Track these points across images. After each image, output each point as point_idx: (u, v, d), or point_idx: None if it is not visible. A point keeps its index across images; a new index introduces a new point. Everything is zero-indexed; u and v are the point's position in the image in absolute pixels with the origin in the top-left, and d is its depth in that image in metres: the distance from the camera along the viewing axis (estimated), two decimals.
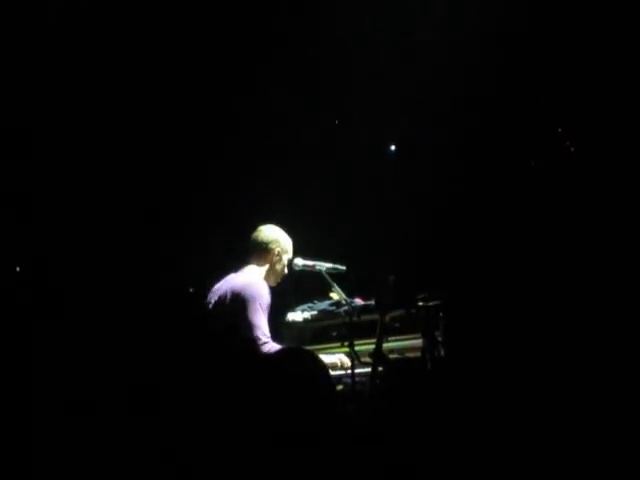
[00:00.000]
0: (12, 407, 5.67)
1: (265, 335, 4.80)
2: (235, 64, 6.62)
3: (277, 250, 5.13)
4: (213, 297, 5.07)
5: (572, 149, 6.07)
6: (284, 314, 5.39)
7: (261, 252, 5.12)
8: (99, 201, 6.51)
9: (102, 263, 6.46)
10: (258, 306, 4.84)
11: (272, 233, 5.17)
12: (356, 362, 4.82)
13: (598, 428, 4.69)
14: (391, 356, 4.96)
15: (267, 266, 5.13)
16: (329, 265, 5.18)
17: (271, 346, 4.76)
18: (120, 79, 6.41)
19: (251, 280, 4.98)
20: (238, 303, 4.87)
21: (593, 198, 5.90)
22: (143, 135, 6.62)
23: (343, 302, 5.12)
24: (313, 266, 5.18)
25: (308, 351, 4.64)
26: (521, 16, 6.10)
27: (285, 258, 5.16)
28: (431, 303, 4.91)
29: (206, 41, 6.48)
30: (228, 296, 4.95)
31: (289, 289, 5.45)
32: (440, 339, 4.86)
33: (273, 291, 5.04)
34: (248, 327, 4.80)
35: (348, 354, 4.91)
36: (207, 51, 6.53)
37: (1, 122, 6.15)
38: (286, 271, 5.18)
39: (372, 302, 5.03)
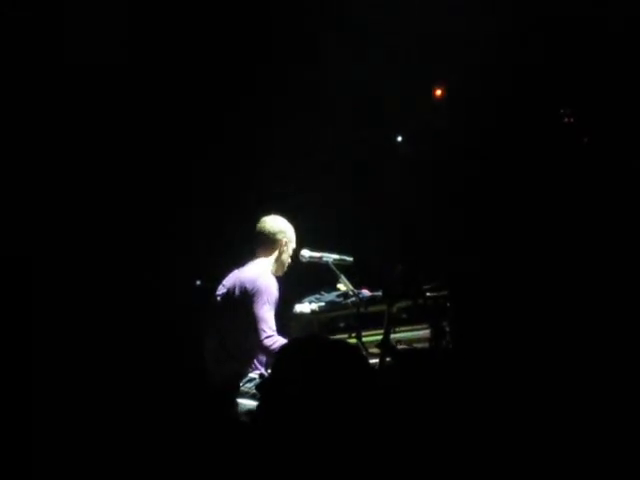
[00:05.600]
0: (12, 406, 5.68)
1: (270, 328, 4.79)
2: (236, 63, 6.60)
3: (284, 240, 5.13)
4: (221, 290, 5.08)
5: (586, 141, 6.05)
6: (291, 306, 5.38)
7: (268, 243, 5.12)
8: (100, 192, 6.50)
9: (106, 257, 6.45)
10: (266, 299, 4.85)
11: (278, 223, 5.16)
12: (364, 353, 4.81)
13: (606, 418, 4.66)
14: (399, 347, 4.94)
15: (274, 257, 5.12)
16: (336, 256, 5.17)
17: (276, 339, 4.76)
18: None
19: (259, 273, 4.98)
20: (246, 296, 4.89)
21: (605, 193, 5.87)
22: (149, 127, 6.62)
23: (350, 293, 5.11)
24: (320, 257, 5.17)
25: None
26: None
27: (291, 247, 5.16)
28: (439, 293, 4.89)
29: (205, 41, 6.47)
30: (237, 290, 4.97)
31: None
32: (448, 329, 4.83)
33: (282, 283, 5.04)
34: (253, 319, 4.81)
35: (355, 345, 4.91)
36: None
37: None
38: (290, 260, 5.17)
39: (379, 293, 5.02)
